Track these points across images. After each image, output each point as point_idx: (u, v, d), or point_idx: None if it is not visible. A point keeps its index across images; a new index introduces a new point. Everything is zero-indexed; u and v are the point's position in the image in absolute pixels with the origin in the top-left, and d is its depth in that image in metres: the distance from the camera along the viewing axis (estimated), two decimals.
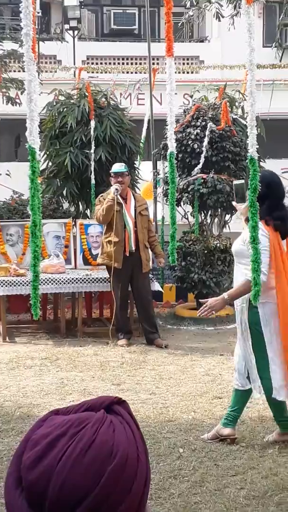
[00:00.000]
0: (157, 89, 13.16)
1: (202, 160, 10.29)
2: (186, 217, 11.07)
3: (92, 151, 10.50)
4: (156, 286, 9.57)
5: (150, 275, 9.32)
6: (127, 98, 15.70)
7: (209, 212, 10.81)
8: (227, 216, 10.93)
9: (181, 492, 4.60)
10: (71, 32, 17.73)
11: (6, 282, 9.15)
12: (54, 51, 17.35)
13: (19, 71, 13.38)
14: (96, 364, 7.96)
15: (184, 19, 13.89)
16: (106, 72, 17.39)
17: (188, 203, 10.55)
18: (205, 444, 5.46)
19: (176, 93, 5.84)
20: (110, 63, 18.84)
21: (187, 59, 19.17)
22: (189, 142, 10.47)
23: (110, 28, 19.93)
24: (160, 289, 10.10)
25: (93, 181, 10.51)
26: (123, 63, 18.86)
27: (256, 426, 5.85)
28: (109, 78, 15.68)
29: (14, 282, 9.16)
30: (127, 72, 17.75)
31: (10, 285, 9.15)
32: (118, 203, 8.75)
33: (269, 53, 18.60)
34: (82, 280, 9.33)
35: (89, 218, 10.69)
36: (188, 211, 11.03)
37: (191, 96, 12.31)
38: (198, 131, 10.47)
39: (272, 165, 13.43)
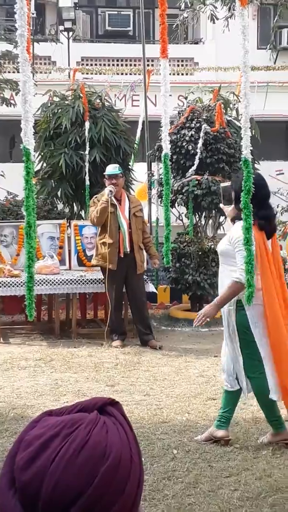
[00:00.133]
0: (151, 90, 13.17)
1: (196, 161, 10.31)
2: (181, 218, 11.08)
3: (86, 152, 10.49)
4: (150, 288, 9.57)
5: (144, 277, 9.33)
6: (122, 100, 15.70)
7: (204, 214, 10.83)
8: (221, 218, 10.94)
9: (175, 493, 4.60)
10: (65, 33, 17.72)
11: (0, 283, 9.14)
12: (49, 52, 17.34)
13: (13, 72, 13.36)
14: (90, 365, 7.95)
15: (178, 20, 13.89)
16: (100, 74, 17.41)
17: (183, 204, 10.57)
18: (199, 445, 5.46)
19: (170, 95, 5.84)
20: (104, 65, 18.85)
21: (182, 61, 19.19)
22: (184, 144, 10.48)
23: (105, 29, 19.92)
24: (155, 290, 10.11)
25: (87, 182, 10.51)
26: (117, 65, 18.87)
27: (250, 428, 5.86)
28: (104, 79, 15.71)
29: (8, 283, 9.15)
30: (122, 74, 17.78)
31: (4, 286, 9.15)
32: (112, 204, 8.75)
33: (263, 55, 18.61)
34: (77, 281, 9.32)
35: (83, 219, 10.69)
36: (182, 213, 11.04)
37: (186, 98, 12.34)
38: (193, 132, 10.48)
39: (266, 166, 13.47)
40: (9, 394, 6.87)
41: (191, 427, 5.88)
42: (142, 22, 12.20)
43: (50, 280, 9.23)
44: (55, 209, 11.33)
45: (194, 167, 10.33)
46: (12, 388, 7.08)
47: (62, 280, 9.30)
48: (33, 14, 14.78)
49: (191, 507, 4.41)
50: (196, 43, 20.15)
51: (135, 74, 17.03)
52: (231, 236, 5.37)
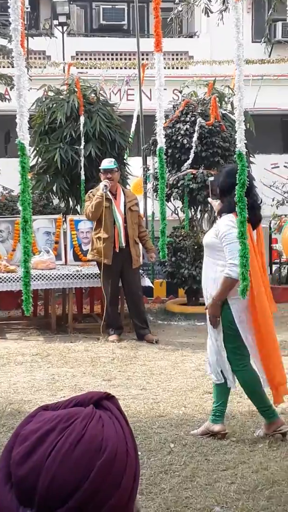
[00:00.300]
0: (146, 84, 13.13)
1: (191, 155, 10.30)
2: (176, 212, 11.07)
3: (81, 146, 10.48)
4: (146, 282, 9.57)
5: (140, 271, 9.33)
6: (117, 94, 15.68)
7: (199, 208, 10.83)
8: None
9: (172, 487, 4.61)
10: (60, 27, 17.70)
11: None
12: (43, 46, 17.30)
13: (8, 67, 13.35)
14: (87, 360, 7.96)
15: (173, 14, 13.89)
16: (95, 68, 17.38)
17: (178, 198, 10.56)
18: (195, 439, 5.47)
19: (165, 89, 5.84)
20: (99, 59, 18.82)
21: (176, 55, 19.17)
22: (179, 138, 10.47)
23: (99, 23, 19.89)
24: (151, 284, 10.11)
25: (83, 177, 10.49)
26: (112, 59, 18.84)
27: (246, 421, 5.87)
28: (99, 73, 15.66)
29: (4, 278, 9.14)
30: (117, 68, 17.75)
31: (0, 281, 9.14)
32: (107, 199, 8.74)
33: (258, 48, 18.61)
34: (73, 276, 9.32)
35: (79, 214, 10.68)
36: (178, 207, 11.04)
37: (181, 92, 12.32)
38: (188, 126, 10.47)
39: (261, 160, 13.49)
40: (6, 389, 6.88)
41: (187, 421, 5.90)
42: (136, 16, 12.18)
43: (46, 275, 9.23)
44: (50, 204, 11.31)
45: (189, 161, 10.32)
46: (9, 383, 7.08)
47: (58, 275, 9.29)
48: (27, 8, 14.76)
49: (188, 501, 4.42)
50: (191, 36, 20.13)
51: (129, 68, 17.00)
52: (218, 229, 5.38)
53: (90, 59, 18.78)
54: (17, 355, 8.23)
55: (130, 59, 18.16)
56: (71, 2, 18.74)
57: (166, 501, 4.41)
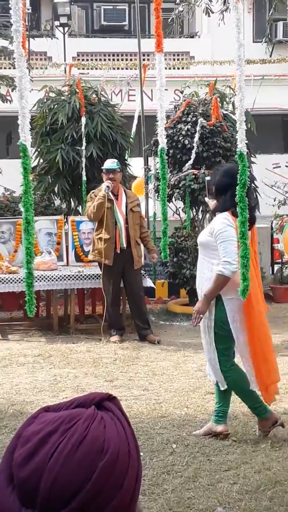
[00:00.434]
0: (147, 85, 13.13)
1: (193, 155, 10.30)
2: (178, 213, 11.07)
3: (83, 147, 10.49)
4: (148, 282, 9.57)
5: (142, 271, 9.33)
6: (118, 94, 15.69)
7: (201, 208, 10.82)
8: None
9: (174, 487, 4.61)
10: (61, 28, 17.72)
11: None
12: (45, 47, 17.33)
13: (9, 68, 13.36)
14: (89, 360, 7.96)
15: (174, 14, 13.88)
16: (96, 69, 17.40)
17: (180, 199, 10.56)
18: (198, 439, 5.47)
19: (166, 89, 5.85)
20: (100, 60, 18.83)
21: (178, 55, 19.18)
22: (180, 138, 10.47)
23: (100, 24, 19.91)
24: (152, 285, 10.11)
25: (84, 178, 10.49)
26: (113, 59, 18.85)
27: (248, 421, 5.87)
28: (100, 74, 15.66)
29: (6, 279, 9.15)
30: (118, 68, 17.76)
31: (2, 283, 9.14)
32: (109, 199, 8.74)
33: (259, 48, 18.63)
34: (74, 277, 9.32)
35: (80, 215, 10.68)
36: (179, 207, 11.03)
37: (182, 92, 12.33)
38: (189, 126, 10.47)
39: (263, 160, 13.49)
40: (8, 391, 6.88)
41: (190, 421, 5.89)
42: (137, 16, 12.18)
43: (48, 276, 9.23)
44: (52, 205, 11.31)
45: (190, 161, 10.32)
46: (11, 385, 7.08)
47: (60, 276, 9.29)
48: (28, 9, 14.76)
49: (190, 501, 4.42)
50: (192, 37, 20.14)
51: (131, 68, 17.01)
52: (212, 228, 5.38)
53: (91, 59, 18.80)
54: (19, 356, 8.23)
55: (131, 59, 18.17)
56: (72, 3, 18.75)
57: (168, 501, 4.41)
